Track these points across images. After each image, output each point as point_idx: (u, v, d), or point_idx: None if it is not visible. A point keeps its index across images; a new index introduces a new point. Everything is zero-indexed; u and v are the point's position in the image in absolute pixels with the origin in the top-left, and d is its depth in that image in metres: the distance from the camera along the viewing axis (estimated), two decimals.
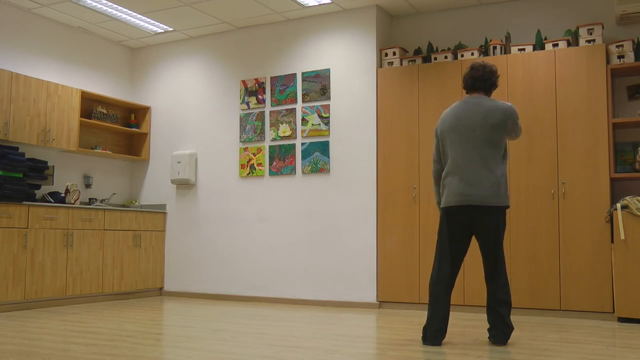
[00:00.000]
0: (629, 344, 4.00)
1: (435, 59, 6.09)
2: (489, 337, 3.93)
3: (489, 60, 5.78)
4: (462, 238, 3.92)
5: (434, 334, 3.84)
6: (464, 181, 3.83)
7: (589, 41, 5.47)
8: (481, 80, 3.98)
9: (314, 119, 6.56)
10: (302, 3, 6.31)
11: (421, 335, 3.94)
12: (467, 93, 4.09)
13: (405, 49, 6.44)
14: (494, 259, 3.90)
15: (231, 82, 7.13)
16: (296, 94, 6.69)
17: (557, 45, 5.59)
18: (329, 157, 6.45)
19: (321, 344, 3.93)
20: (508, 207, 3.92)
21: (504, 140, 3.92)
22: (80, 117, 6.68)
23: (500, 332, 3.86)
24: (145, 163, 7.64)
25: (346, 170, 6.36)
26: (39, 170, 6.20)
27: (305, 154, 6.57)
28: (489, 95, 4.05)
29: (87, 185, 7.11)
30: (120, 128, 7.30)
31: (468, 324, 4.82)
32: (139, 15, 6.70)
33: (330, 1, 6.26)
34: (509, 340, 3.96)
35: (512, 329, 3.89)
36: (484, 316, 5.30)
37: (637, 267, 4.94)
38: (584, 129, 5.38)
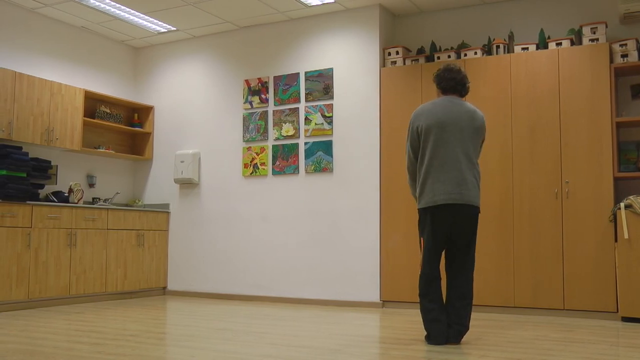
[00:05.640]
0: (633, 344, 3.99)
1: (439, 58, 6.08)
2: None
3: (492, 59, 5.79)
4: (445, 236, 3.92)
5: (437, 332, 3.83)
6: (451, 180, 3.82)
7: (592, 40, 5.46)
8: (461, 84, 4.02)
9: (317, 118, 6.56)
10: (305, 2, 6.30)
11: (424, 334, 3.94)
12: (443, 93, 4.06)
13: (408, 48, 6.43)
14: (464, 257, 3.91)
15: (234, 82, 7.13)
16: (299, 94, 6.69)
17: (560, 44, 5.58)
18: (332, 156, 6.45)
19: (324, 344, 3.93)
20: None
21: (480, 144, 4.02)
22: (84, 116, 6.69)
23: (455, 331, 3.84)
24: (149, 162, 7.65)
25: (349, 169, 6.35)
26: (43, 169, 6.21)
27: (309, 153, 6.57)
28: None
29: (91, 185, 7.13)
30: (123, 127, 7.31)
31: (471, 323, 4.80)
32: (142, 15, 6.71)
33: (333, 0, 6.25)
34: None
35: (467, 329, 3.87)
36: (487, 315, 5.30)
37: None
38: (587, 128, 5.37)
